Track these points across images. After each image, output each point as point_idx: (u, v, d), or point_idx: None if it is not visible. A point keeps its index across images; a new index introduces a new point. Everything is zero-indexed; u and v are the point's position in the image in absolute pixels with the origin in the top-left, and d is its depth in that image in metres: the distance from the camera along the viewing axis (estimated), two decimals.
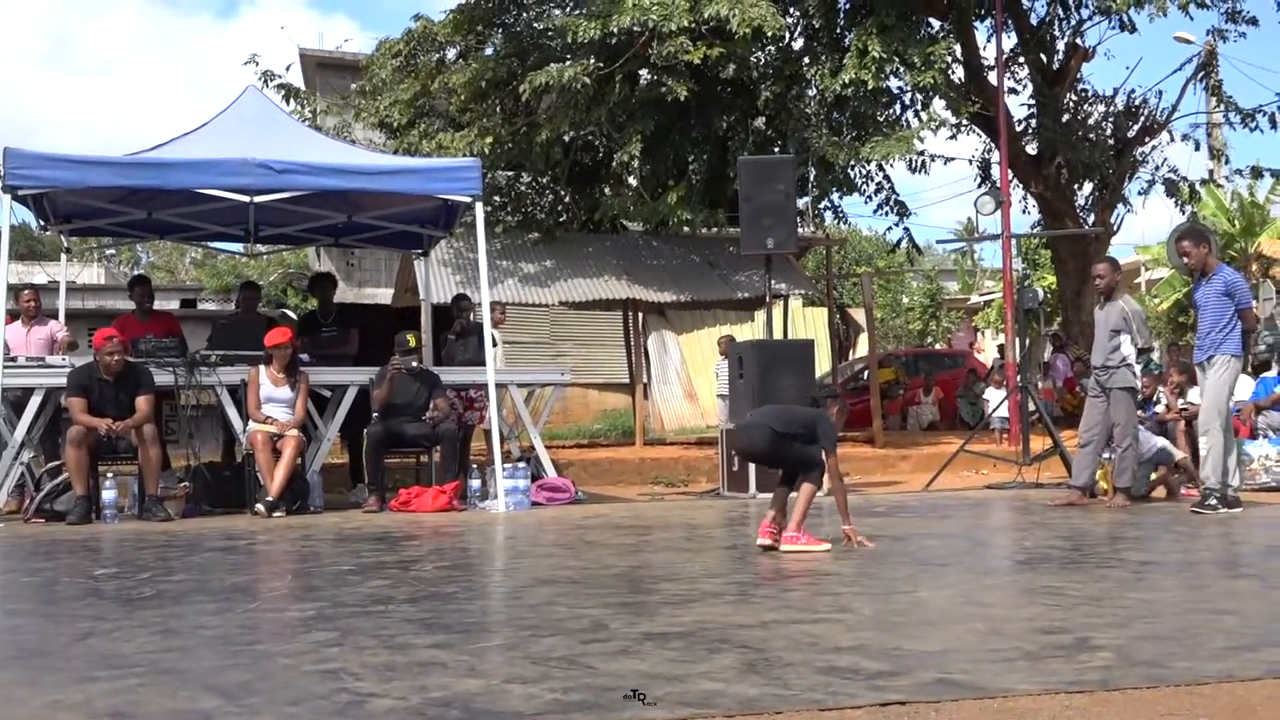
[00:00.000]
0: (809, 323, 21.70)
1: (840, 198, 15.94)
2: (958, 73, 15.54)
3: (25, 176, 8.27)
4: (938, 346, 32.11)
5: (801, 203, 14.65)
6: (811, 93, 14.14)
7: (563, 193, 16.17)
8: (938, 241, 41.95)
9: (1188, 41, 18.74)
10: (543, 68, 13.10)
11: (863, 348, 22.72)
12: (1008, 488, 10.18)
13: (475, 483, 9.06)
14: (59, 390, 8.41)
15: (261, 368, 8.80)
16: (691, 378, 21.19)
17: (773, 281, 11.06)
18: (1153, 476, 8.86)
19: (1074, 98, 17.01)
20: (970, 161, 18.08)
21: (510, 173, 15.68)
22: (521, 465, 9.02)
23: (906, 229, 16.21)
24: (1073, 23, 16.37)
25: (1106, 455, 8.30)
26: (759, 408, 6.95)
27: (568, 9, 14.72)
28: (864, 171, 15.50)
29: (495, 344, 9.78)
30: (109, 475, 8.24)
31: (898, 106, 15.10)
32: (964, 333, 28.76)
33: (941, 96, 14.14)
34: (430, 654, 3.27)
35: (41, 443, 8.93)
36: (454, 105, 14.41)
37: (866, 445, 14.01)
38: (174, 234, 11.63)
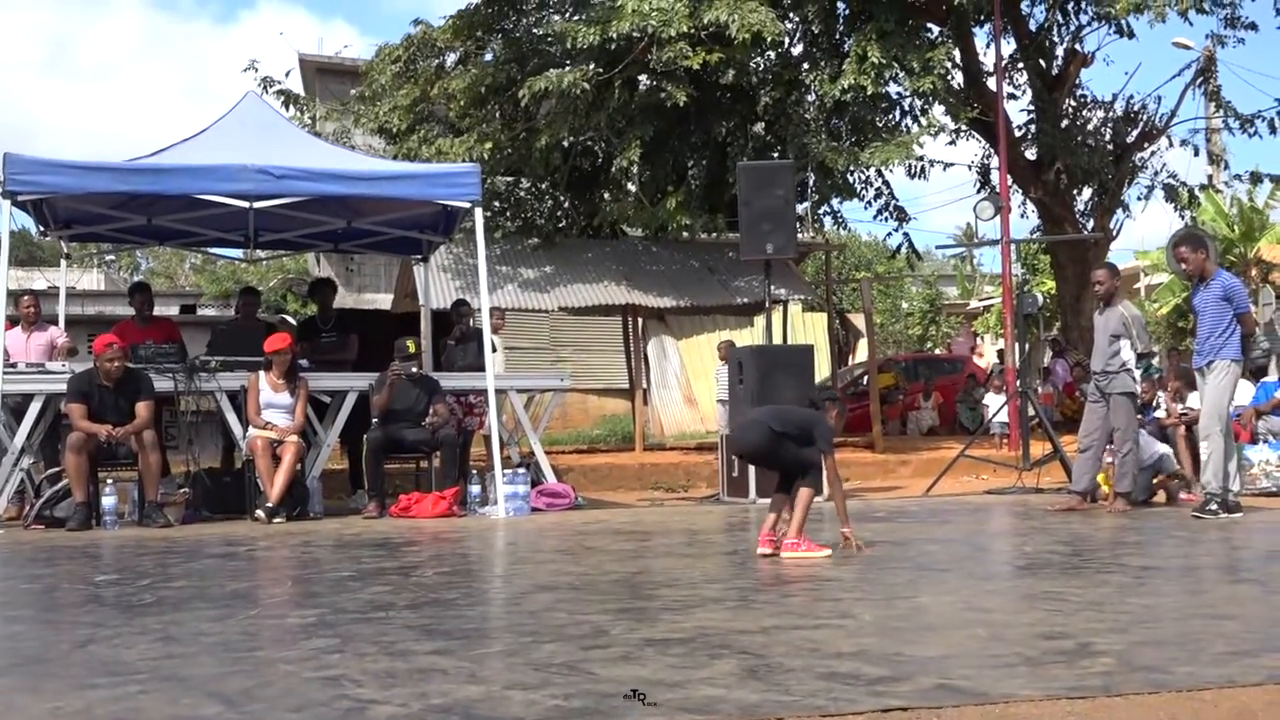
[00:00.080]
0: (808, 328, 21.71)
1: (840, 203, 15.97)
2: (957, 78, 15.57)
3: (25, 182, 8.28)
4: (937, 351, 32.11)
5: (801, 208, 14.65)
6: (811, 98, 14.16)
7: (562, 198, 16.18)
8: (937, 247, 41.97)
9: (1186, 47, 18.76)
10: (542, 73, 13.11)
11: (862, 353, 22.69)
12: (1008, 493, 10.17)
13: (475, 488, 9.06)
14: (59, 396, 8.40)
15: (261, 373, 8.80)
16: (691, 383, 21.19)
17: (772, 287, 11.06)
18: (1154, 481, 8.86)
19: (1073, 103, 17.02)
20: (969, 167, 18.10)
21: (510, 178, 15.69)
22: (521, 471, 9.02)
23: (906, 234, 16.24)
24: (1072, 28, 16.40)
25: (1110, 459, 8.30)
26: (758, 407, 6.96)
27: (567, 14, 14.73)
28: (863, 177, 15.51)
29: (495, 349, 9.78)
30: (109, 481, 8.24)
31: (897, 112, 15.13)
32: (963, 338, 28.77)
33: (941, 102, 14.16)
34: (431, 660, 3.27)
35: (41, 449, 8.92)
36: (453, 111, 14.43)
37: (866, 450, 14.01)
38: (174, 240, 11.63)
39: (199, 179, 8.53)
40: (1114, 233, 17.03)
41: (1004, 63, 15.11)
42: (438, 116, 14.81)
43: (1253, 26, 15.61)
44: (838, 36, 14.71)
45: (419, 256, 11.87)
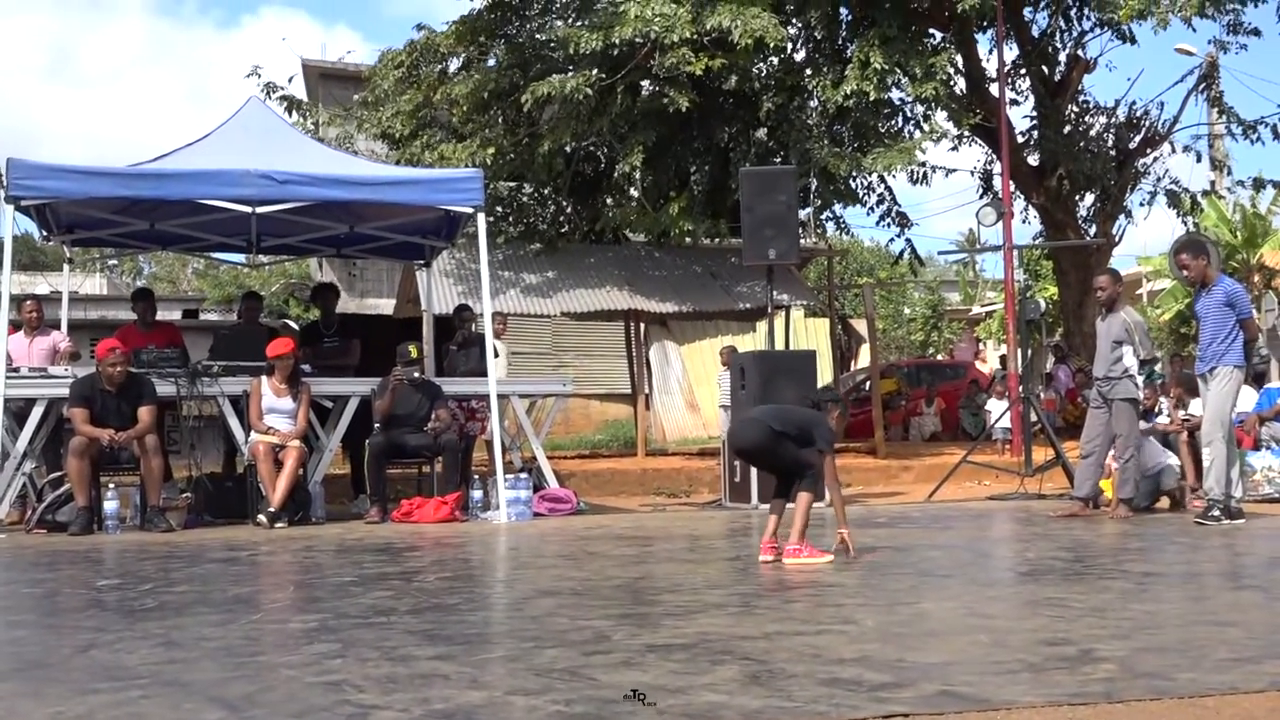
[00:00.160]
0: (811, 333, 21.72)
1: (842, 208, 15.99)
2: (959, 84, 15.59)
3: (28, 187, 8.29)
4: (939, 357, 32.11)
5: (803, 213, 14.70)
6: (813, 104, 14.18)
7: (565, 203, 16.20)
8: (939, 253, 41.89)
9: (1189, 53, 18.75)
10: (545, 79, 13.13)
11: (864, 358, 22.70)
12: (1010, 499, 10.17)
13: (477, 494, 9.06)
14: (61, 401, 8.41)
15: (263, 378, 8.81)
16: (693, 388, 21.20)
17: (774, 292, 11.06)
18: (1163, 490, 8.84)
19: (1075, 109, 17.04)
20: (972, 173, 18.14)
21: (512, 183, 15.71)
22: (523, 476, 9.02)
23: (908, 240, 16.26)
24: (1074, 34, 16.42)
25: (1115, 464, 8.29)
26: (759, 406, 6.95)
27: (570, 20, 14.76)
28: (866, 182, 15.53)
29: (498, 354, 9.79)
30: (111, 486, 8.24)
31: (900, 118, 15.14)
32: (965, 343, 28.76)
33: (943, 108, 14.17)
34: (432, 665, 3.26)
35: (43, 453, 8.93)
36: (456, 116, 14.44)
37: (869, 456, 14.00)
38: (176, 245, 11.65)
39: (202, 184, 8.54)
40: (1116, 238, 17.05)
41: (1006, 68, 15.12)
42: (440, 122, 14.83)
43: (1256, 32, 15.62)
44: (840, 42, 14.73)
45: (421, 261, 11.88)
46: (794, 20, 14.58)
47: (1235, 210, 25.08)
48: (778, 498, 5.88)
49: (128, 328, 10.21)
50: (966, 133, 15.67)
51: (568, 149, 14.54)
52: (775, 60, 14.55)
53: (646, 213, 14.73)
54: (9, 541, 7.63)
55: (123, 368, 8.23)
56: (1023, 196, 16.60)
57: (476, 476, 9.60)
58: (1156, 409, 9.75)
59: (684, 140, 14.84)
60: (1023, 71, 16.80)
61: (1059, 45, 16.71)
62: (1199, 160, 17.61)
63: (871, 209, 15.94)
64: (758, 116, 14.21)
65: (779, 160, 14.19)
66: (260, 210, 9.04)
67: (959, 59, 15.25)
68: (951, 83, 14.50)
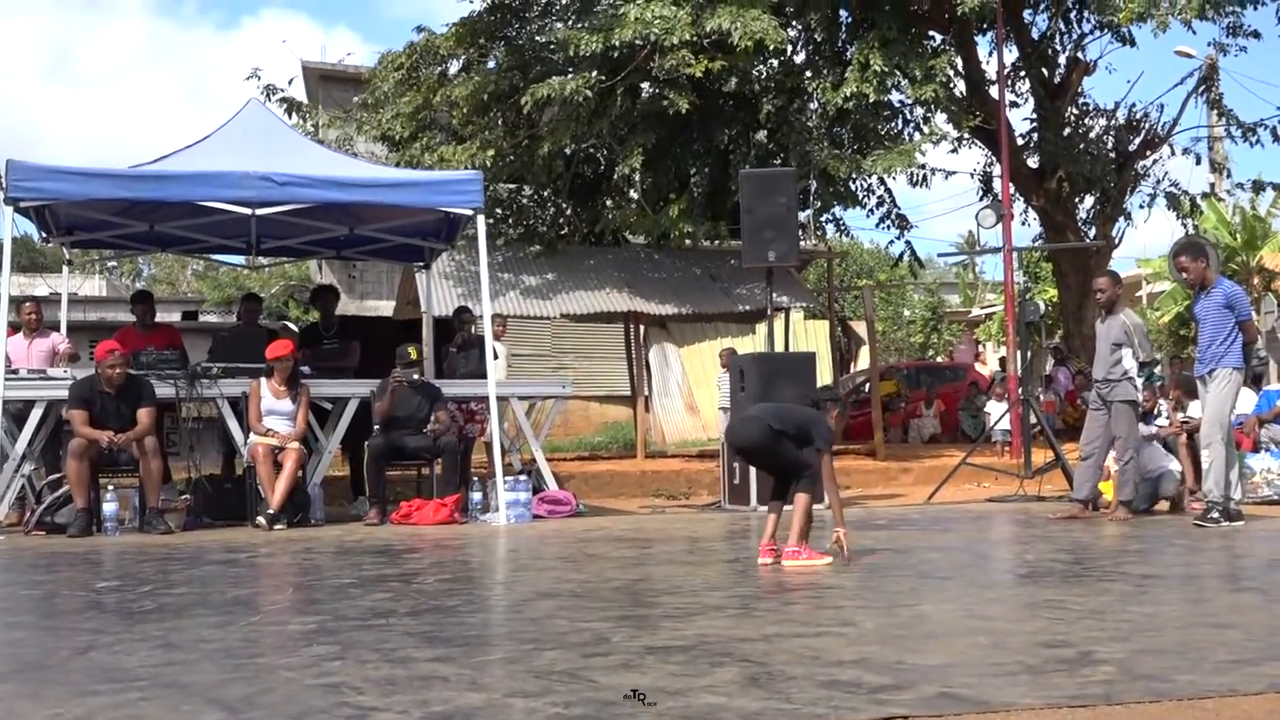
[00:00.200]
0: (810, 335, 21.71)
1: (842, 211, 16.00)
2: (959, 86, 15.60)
3: (27, 189, 8.29)
4: (939, 359, 32.12)
5: (803, 216, 14.68)
6: (813, 106, 14.19)
7: (564, 205, 16.20)
8: (939, 255, 41.91)
9: (1189, 56, 18.78)
10: (545, 81, 13.14)
11: (864, 360, 22.71)
12: (1009, 501, 10.17)
13: (476, 495, 9.06)
14: (60, 403, 8.41)
15: (263, 380, 8.81)
16: (693, 390, 21.19)
17: (774, 294, 11.07)
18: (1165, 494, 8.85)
19: (1075, 111, 17.05)
20: (972, 175, 18.15)
21: (512, 185, 15.72)
22: (523, 478, 9.01)
23: (908, 242, 16.28)
24: (1074, 37, 16.43)
25: (1114, 466, 8.30)
26: (757, 404, 6.95)
27: (570, 22, 14.77)
28: (865, 184, 15.54)
29: (497, 356, 9.79)
30: (110, 488, 8.24)
31: (899, 120, 15.15)
32: (965, 345, 28.80)
33: (943, 110, 14.18)
34: (432, 667, 3.26)
35: (42, 455, 8.93)
36: (456, 118, 14.45)
37: (868, 458, 13.99)
38: (176, 246, 11.64)
39: (201, 186, 8.54)
40: (1116, 241, 17.05)
41: (1006, 71, 15.13)
42: (440, 124, 14.83)
43: (1255, 35, 15.64)
44: (840, 44, 14.74)
45: (421, 263, 11.88)
46: (794, 22, 14.59)
47: (1235, 213, 25.09)
48: (776, 499, 5.88)
49: (127, 329, 10.22)
50: (966, 135, 15.68)
51: (567, 151, 14.56)
52: (775, 62, 14.56)
53: (646, 215, 14.73)
54: (8, 543, 7.62)
55: (122, 369, 8.22)
56: (1022, 199, 16.60)
57: (476, 478, 9.61)
58: (1155, 411, 9.75)
59: (684, 142, 14.85)
60: (1022, 74, 16.81)
61: (1059, 48, 16.74)
62: (1198, 163, 17.65)
63: (871, 211, 15.98)
64: (757, 119, 14.22)
65: (779, 162, 14.20)
66: (260, 212, 9.04)
67: (959, 61, 15.26)
68: (951, 85, 14.50)
